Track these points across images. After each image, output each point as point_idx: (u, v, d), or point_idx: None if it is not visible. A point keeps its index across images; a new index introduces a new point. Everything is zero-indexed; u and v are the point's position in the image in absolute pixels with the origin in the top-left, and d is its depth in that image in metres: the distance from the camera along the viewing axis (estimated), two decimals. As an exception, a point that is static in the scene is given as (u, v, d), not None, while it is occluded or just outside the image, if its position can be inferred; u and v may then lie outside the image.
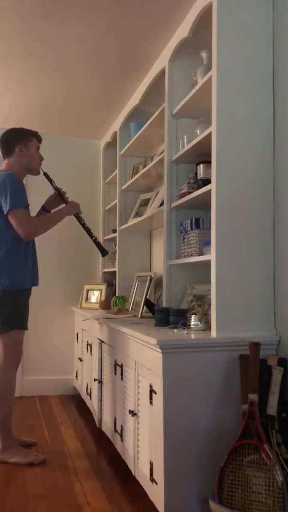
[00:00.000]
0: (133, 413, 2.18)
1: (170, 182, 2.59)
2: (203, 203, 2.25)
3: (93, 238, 2.80)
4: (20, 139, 2.67)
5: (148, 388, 1.97)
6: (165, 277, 2.55)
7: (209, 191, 2.07)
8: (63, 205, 2.80)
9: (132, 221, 3.45)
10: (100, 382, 2.93)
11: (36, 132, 2.74)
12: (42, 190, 2.92)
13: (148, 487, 1.99)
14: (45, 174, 2.79)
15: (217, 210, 1.98)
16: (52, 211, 2.84)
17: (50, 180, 2.81)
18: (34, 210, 2.79)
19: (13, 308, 2.55)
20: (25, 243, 2.59)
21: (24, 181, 2.69)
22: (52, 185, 2.82)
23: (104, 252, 2.84)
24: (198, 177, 2.34)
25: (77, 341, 3.94)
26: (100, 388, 2.92)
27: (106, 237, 4.17)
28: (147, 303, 2.93)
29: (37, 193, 3.04)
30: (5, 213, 2.49)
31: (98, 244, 2.82)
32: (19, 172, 2.65)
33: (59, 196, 2.83)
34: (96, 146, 4.39)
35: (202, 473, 1.84)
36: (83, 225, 2.76)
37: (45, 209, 2.85)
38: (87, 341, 3.42)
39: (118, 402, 2.50)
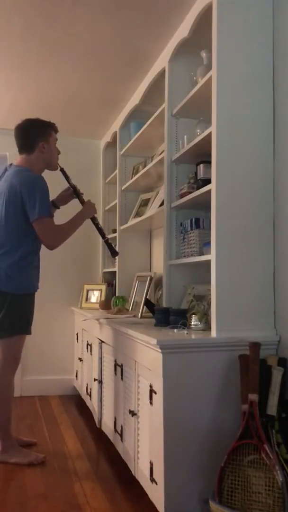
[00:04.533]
0: (133, 413, 2.18)
1: (170, 182, 2.59)
2: (203, 203, 2.25)
3: (105, 239, 2.76)
4: (41, 134, 2.57)
5: (148, 388, 1.97)
6: (165, 277, 2.55)
7: (209, 191, 2.07)
8: (72, 201, 2.74)
9: (132, 221, 3.45)
10: (100, 382, 2.93)
11: (54, 124, 2.65)
12: (51, 186, 2.80)
13: (148, 487, 1.99)
14: (62, 170, 2.71)
15: (217, 210, 1.98)
16: (61, 207, 2.79)
17: (67, 177, 2.72)
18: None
19: (20, 313, 2.52)
20: (38, 247, 2.56)
21: None
22: (69, 183, 2.74)
23: (114, 253, 2.80)
24: (198, 177, 2.34)
25: (77, 341, 3.94)
26: (100, 388, 2.92)
27: (106, 237, 4.17)
28: (147, 303, 2.93)
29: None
30: (31, 220, 2.41)
31: (109, 245, 2.77)
32: (39, 170, 2.58)
33: (75, 194, 2.75)
34: (96, 146, 4.39)
35: (202, 473, 1.84)
36: (97, 225, 2.71)
37: (54, 204, 2.76)
38: (87, 341, 3.42)
39: (118, 402, 2.50)
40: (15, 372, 2.60)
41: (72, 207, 2.77)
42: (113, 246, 2.81)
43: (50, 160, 2.62)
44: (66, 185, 2.79)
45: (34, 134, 2.57)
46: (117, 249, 3.66)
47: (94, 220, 2.71)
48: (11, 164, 2.66)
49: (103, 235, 2.76)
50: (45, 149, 2.58)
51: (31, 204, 2.41)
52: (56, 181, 2.71)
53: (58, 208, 2.80)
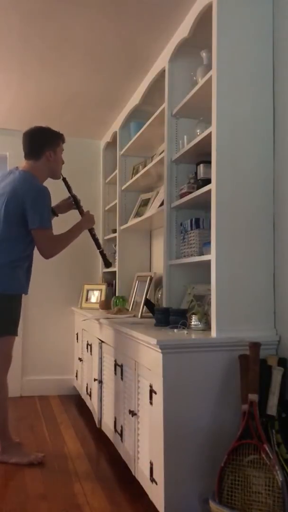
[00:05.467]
0: (133, 413, 2.18)
1: (170, 182, 2.59)
2: (203, 203, 2.25)
3: (100, 250, 2.79)
4: (50, 143, 2.59)
5: (148, 388, 1.97)
6: (165, 277, 2.55)
7: (209, 191, 2.07)
8: (71, 211, 2.77)
9: (132, 221, 3.45)
10: (100, 382, 2.93)
11: (62, 135, 2.67)
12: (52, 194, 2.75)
13: (148, 487, 1.99)
14: (64, 180, 2.73)
15: (217, 210, 1.98)
16: (60, 215, 2.82)
17: (69, 187, 2.75)
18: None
19: (10, 314, 2.52)
20: (32, 251, 2.56)
21: None
22: (70, 193, 2.76)
23: (108, 264, 2.84)
24: (198, 177, 2.34)
25: (77, 341, 3.94)
26: (100, 388, 2.92)
27: (106, 237, 4.16)
28: (147, 303, 2.93)
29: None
30: (30, 227, 2.43)
31: (104, 256, 2.81)
32: (42, 177, 2.60)
33: (75, 204, 2.77)
34: (96, 146, 4.39)
35: (202, 473, 1.84)
36: (94, 236, 2.74)
37: (53, 212, 2.76)
38: (87, 341, 3.42)
39: (118, 402, 2.50)
40: (7, 372, 2.60)
41: (72, 213, 2.79)
42: (107, 257, 2.86)
43: (55, 169, 2.65)
44: (67, 194, 2.80)
45: (43, 142, 2.59)
46: (117, 249, 3.68)
47: (91, 231, 2.73)
48: (17, 168, 2.66)
49: (98, 246, 2.79)
50: (52, 158, 2.60)
51: (32, 212, 2.42)
52: (57, 190, 2.72)
53: (57, 215, 2.82)
